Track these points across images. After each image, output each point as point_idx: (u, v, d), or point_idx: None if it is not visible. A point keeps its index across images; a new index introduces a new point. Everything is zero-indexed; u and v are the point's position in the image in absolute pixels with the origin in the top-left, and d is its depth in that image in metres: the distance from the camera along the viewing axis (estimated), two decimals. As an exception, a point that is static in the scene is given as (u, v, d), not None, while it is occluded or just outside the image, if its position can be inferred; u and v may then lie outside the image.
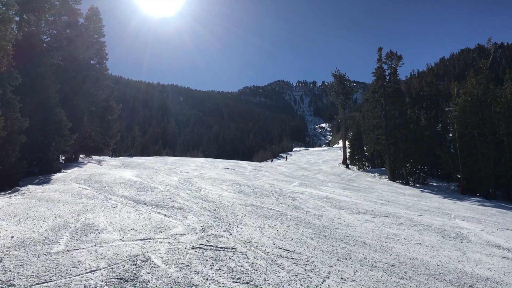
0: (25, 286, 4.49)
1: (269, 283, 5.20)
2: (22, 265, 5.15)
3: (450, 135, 38.86)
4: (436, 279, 6.32)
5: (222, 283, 5.04)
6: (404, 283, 5.89)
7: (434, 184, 35.75)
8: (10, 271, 4.91)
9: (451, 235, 10.47)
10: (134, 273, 5.11)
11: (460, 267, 7.25)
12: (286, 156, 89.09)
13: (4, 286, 4.45)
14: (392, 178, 35.44)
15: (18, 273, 4.87)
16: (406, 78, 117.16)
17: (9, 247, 5.91)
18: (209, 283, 4.99)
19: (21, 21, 19.67)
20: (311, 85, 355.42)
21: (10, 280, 4.63)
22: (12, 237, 6.49)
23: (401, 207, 15.98)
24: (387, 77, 37.45)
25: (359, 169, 46.92)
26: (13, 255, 5.55)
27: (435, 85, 51.77)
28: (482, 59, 45.76)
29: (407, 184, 33.61)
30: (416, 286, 5.85)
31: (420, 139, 35.75)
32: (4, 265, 5.09)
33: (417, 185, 33.79)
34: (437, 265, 7.23)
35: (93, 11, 26.91)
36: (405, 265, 6.99)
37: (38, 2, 20.15)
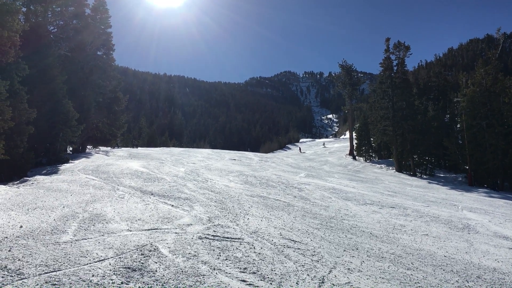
0: (34, 275, 4.53)
1: (275, 273, 5.21)
2: (31, 254, 5.21)
3: (458, 126, 38.49)
4: (443, 270, 6.30)
5: (229, 273, 5.06)
6: (411, 274, 5.88)
7: (442, 175, 35.58)
8: (19, 260, 4.97)
9: (459, 226, 10.42)
10: (142, 263, 5.14)
11: (467, 258, 7.22)
12: (300, 148, 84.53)
13: (13, 275, 4.49)
14: (399, 169, 35.31)
15: (27, 262, 4.92)
16: (414, 68, 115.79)
17: (18, 237, 5.97)
18: (216, 273, 5.02)
19: (28, 12, 19.68)
20: (318, 76, 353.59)
21: (19, 269, 4.68)
22: (21, 226, 6.56)
23: (408, 198, 15.93)
24: (395, 68, 37.13)
25: (366, 160, 46.72)
26: (22, 244, 5.61)
27: (443, 75, 51.34)
28: (491, 50, 45.36)
29: (414, 175, 33.47)
30: (423, 277, 5.83)
31: (428, 130, 35.52)
32: (13, 254, 5.15)
33: (424, 176, 33.63)
34: (444, 256, 7.21)
35: (99, 2, 26.84)
36: (412, 256, 6.98)
37: (45, -7, 20.14)
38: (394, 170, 35.30)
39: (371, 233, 8.50)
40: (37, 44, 18.08)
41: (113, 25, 27.92)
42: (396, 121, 35.11)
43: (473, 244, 8.47)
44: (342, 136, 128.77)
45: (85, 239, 6.08)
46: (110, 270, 4.83)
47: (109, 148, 31.66)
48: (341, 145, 78.27)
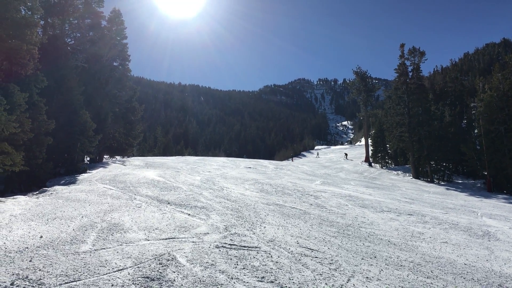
0: (55, 285, 4.59)
1: (293, 282, 5.19)
2: (51, 264, 5.27)
3: (476, 131, 37.98)
4: (464, 278, 6.20)
5: (247, 282, 5.05)
6: (431, 282, 5.80)
7: (460, 181, 35.05)
8: (40, 270, 5.03)
9: (478, 233, 10.25)
10: (160, 272, 5.17)
11: (488, 266, 7.10)
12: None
13: (34, 285, 4.55)
14: (416, 176, 34.89)
15: (47, 272, 4.98)
16: (430, 74, 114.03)
17: (39, 247, 6.05)
18: (233, 282, 5.02)
19: (46, 24, 20.12)
20: (332, 83, 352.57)
21: (40, 279, 4.74)
22: (41, 236, 6.65)
23: (426, 205, 15.73)
24: (410, 74, 36.86)
25: (382, 167, 46.33)
26: (43, 254, 5.69)
27: (459, 80, 50.74)
28: (508, 54, 44.74)
29: (431, 181, 33.05)
30: (443, 285, 5.75)
31: (445, 136, 35.11)
32: (34, 264, 5.22)
33: (442, 183, 33.19)
34: (464, 264, 7.10)
35: (115, 14, 27.28)
36: (432, 264, 6.88)
37: (62, 6, 20.55)
38: (411, 177, 34.91)
39: (389, 241, 8.41)
40: (54, 56, 18.43)
41: (128, 36, 28.24)
42: (412, 127, 34.78)
43: (493, 251, 8.32)
44: (358, 143, 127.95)
45: (104, 248, 6.14)
46: (129, 279, 4.87)
47: (126, 157, 31.92)
48: (356, 152, 77.50)
